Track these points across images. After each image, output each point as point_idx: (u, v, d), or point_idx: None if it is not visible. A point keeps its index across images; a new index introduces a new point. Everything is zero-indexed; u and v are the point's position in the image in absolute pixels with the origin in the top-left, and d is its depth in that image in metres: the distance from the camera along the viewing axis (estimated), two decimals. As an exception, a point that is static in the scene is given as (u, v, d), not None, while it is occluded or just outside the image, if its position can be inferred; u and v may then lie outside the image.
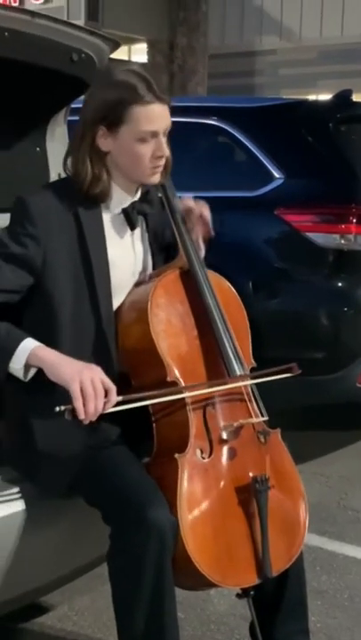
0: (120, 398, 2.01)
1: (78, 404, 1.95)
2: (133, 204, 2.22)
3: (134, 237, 2.27)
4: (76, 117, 2.68)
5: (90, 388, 1.97)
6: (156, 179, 2.18)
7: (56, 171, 3.03)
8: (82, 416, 1.95)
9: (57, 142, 3.04)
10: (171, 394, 2.09)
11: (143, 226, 2.29)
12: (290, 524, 2.18)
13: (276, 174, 4.12)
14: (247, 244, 4.11)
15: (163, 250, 2.34)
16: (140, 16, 14.60)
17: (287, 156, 4.20)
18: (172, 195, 2.26)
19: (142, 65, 2.20)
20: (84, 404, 1.96)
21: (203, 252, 2.34)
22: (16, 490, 2.16)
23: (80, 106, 2.64)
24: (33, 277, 2.11)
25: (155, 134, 2.11)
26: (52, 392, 2.04)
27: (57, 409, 1.95)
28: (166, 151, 2.14)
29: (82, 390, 1.96)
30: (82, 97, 2.90)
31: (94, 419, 1.98)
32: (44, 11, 2.59)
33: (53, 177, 3.03)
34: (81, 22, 12.11)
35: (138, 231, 2.27)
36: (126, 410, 2.06)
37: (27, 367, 2.04)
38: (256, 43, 15.25)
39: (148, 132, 2.09)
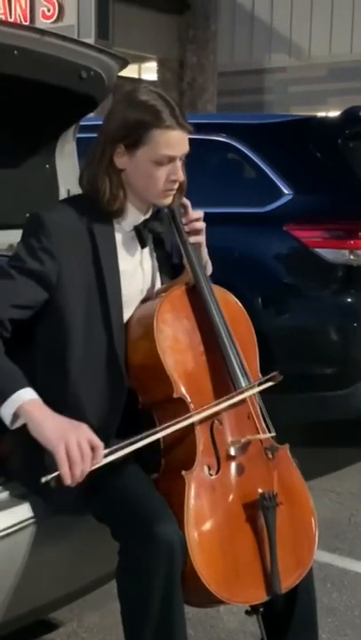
0: (107, 451, 1.96)
1: (64, 470, 1.89)
2: (145, 222, 2.23)
3: (143, 255, 2.27)
4: (85, 134, 2.69)
5: (76, 453, 1.90)
6: (168, 201, 2.20)
7: (65, 187, 3.05)
8: (68, 482, 1.90)
9: (66, 159, 3.06)
10: (155, 433, 2.04)
11: (152, 243, 2.30)
12: (299, 541, 2.16)
13: (285, 190, 4.13)
14: (256, 260, 4.11)
15: (171, 267, 2.35)
16: (150, 34, 14.73)
17: (296, 172, 4.21)
18: (178, 212, 2.26)
19: (154, 83, 2.22)
20: (71, 469, 1.90)
21: (209, 268, 2.35)
22: (24, 506, 2.15)
23: (89, 123, 2.65)
24: (47, 293, 2.12)
25: (172, 159, 2.12)
26: (60, 410, 2.04)
27: (43, 480, 1.89)
28: (181, 176, 2.15)
29: (68, 454, 1.90)
30: (91, 114, 2.93)
31: (80, 480, 1.93)
32: (54, 29, 2.61)
33: (62, 193, 3.05)
34: (91, 41, 12.19)
35: (147, 248, 2.28)
36: (134, 424, 2.05)
37: (15, 416, 1.98)
38: (265, 60, 15.34)
39: (165, 156, 2.11)
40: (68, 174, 3.06)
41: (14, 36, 2.42)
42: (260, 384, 2.22)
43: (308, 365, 3.96)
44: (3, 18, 13.22)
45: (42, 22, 13.92)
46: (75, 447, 1.91)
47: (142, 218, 2.23)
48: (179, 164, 2.14)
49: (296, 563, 2.14)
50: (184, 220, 2.26)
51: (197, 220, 2.26)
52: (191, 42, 15.49)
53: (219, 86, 15.45)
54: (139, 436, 2.03)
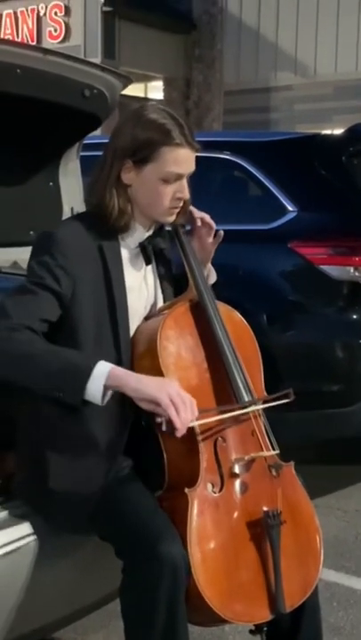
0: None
1: (173, 413, 1.95)
2: (149, 238, 2.24)
3: (146, 271, 2.28)
4: (89, 152, 2.70)
5: (179, 399, 1.97)
6: (172, 219, 2.21)
7: (69, 205, 3.06)
8: (178, 424, 1.95)
9: (70, 177, 3.07)
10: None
11: (154, 260, 2.30)
12: (304, 559, 2.15)
13: (290, 207, 4.13)
14: (261, 277, 4.10)
15: (173, 284, 2.35)
16: (156, 53, 14.82)
17: (300, 189, 4.21)
18: (181, 229, 2.27)
19: (161, 102, 2.24)
20: (178, 413, 1.96)
21: (213, 276, 2.35)
22: (27, 525, 2.14)
23: (92, 141, 2.66)
24: (62, 310, 2.12)
25: (179, 177, 2.14)
26: (68, 428, 2.05)
27: (157, 420, 1.98)
28: (187, 194, 2.17)
29: (172, 401, 1.96)
30: (95, 132, 2.94)
31: (185, 430, 1.97)
32: (61, 49, 2.63)
33: (67, 211, 3.06)
34: (98, 60, 12.29)
35: (150, 265, 2.28)
36: (139, 442, 2.05)
37: (105, 388, 2.00)
38: (271, 79, 15.38)
39: (173, 173, 2.12)
40: (71, 192, 3.08)
41: (17, 54, 2.44)
42: (273, 399, 2.21)
43: (314, 383, 3.95)
44: (10, 38, 13.35)
45: (49, 42, 14.04)
46: (176, 395, 1.97)
47: (146, 234, 2.24)
48: (185, 182, 2.16)
49: (301, 581, 2.13)
50: (198, 223, 2.27)
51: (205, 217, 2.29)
52: (197, 60, 15.59)
53: (225, 105, 15.52)
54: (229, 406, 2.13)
